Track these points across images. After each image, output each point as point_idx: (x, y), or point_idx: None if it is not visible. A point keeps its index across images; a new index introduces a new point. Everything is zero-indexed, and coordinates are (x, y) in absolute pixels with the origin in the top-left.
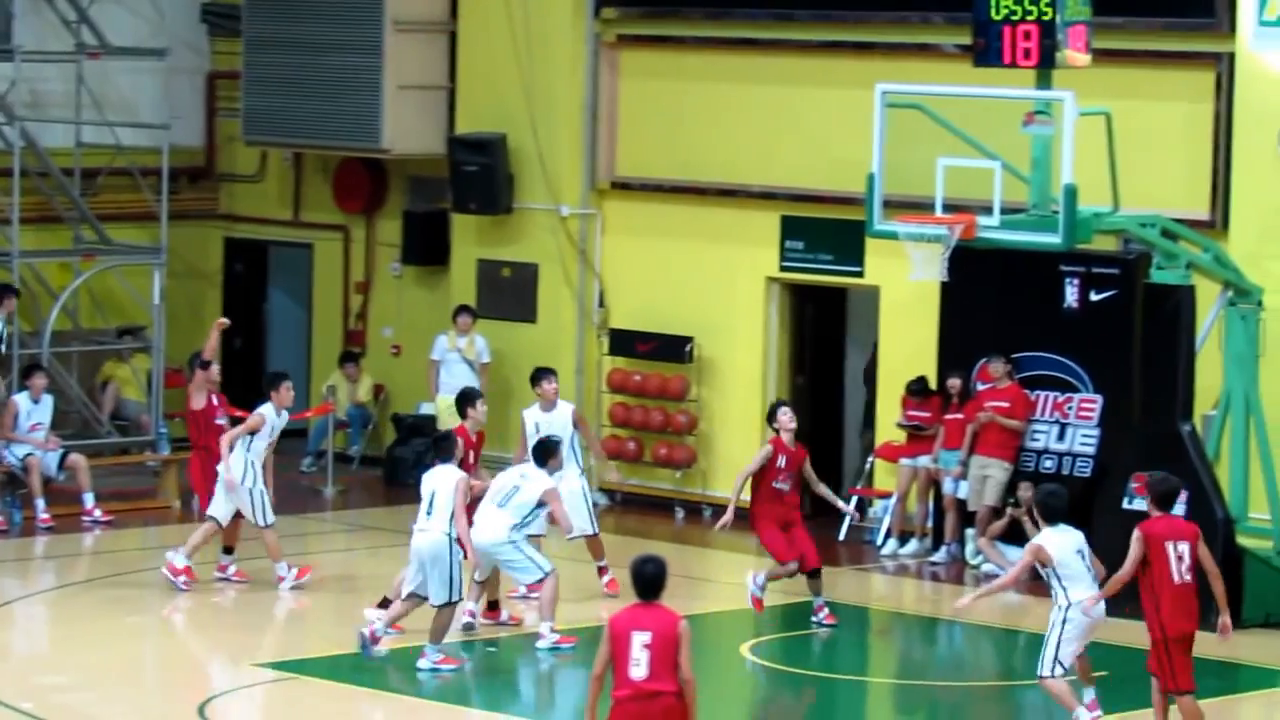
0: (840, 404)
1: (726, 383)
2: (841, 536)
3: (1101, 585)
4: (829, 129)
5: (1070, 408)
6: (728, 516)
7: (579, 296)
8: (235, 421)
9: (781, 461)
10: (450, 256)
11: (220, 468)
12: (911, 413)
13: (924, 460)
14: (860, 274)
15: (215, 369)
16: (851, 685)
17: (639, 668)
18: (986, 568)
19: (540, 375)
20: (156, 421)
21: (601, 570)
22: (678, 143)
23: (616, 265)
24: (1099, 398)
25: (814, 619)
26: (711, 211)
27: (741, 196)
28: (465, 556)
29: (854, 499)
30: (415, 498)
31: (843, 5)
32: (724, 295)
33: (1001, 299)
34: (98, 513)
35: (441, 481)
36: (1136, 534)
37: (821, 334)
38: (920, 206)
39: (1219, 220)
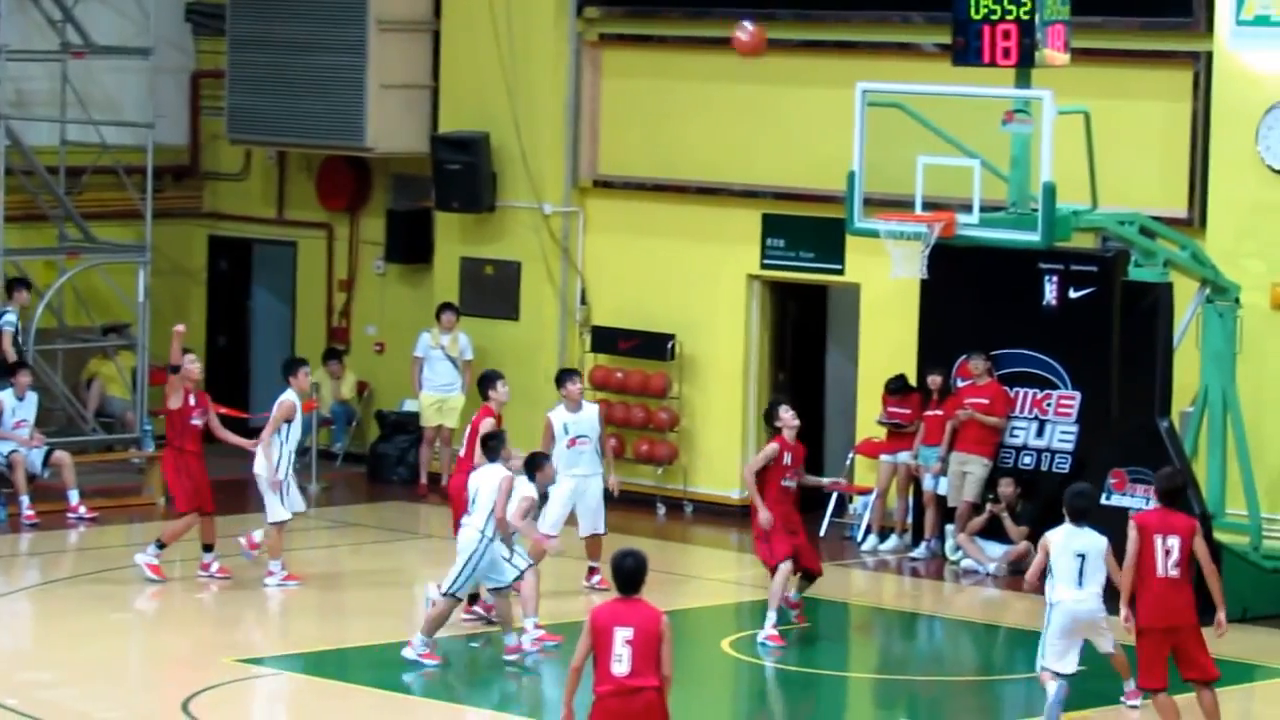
0: (821, 401)
1: (708, 380)
2: (823, 533)
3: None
4: (810, 128)
5: (1049, 404)
6: (765, 513)
7: (561, 294)
8: (224, 420)
9: (788, 459)
10: (433, 254)
11: (259, 467)
12: (891, 409)
13: (904, 456)
14: (841, 271)
15: (197, 367)
16: (832, 680)
17: (621, 664)
18: (966, 563)
19: (565, 377)
20: (141, 419)
21: (592, 570)
22: (660, 141)
23: (598, 263)
24: (1077, 394)
25: (790, 611)
26: (693, 210)
27: (723, 195)
28: (501, 540)
29: (834, 495)
30: (399, 494)
31: (823, 5)
32: (705, 293)
33: (981, 296)
34: (82, 509)
35: (485, 480)
36: (1131, 524)
37: (802, 331)
38: (900, 204)
39: (1197, 218)
